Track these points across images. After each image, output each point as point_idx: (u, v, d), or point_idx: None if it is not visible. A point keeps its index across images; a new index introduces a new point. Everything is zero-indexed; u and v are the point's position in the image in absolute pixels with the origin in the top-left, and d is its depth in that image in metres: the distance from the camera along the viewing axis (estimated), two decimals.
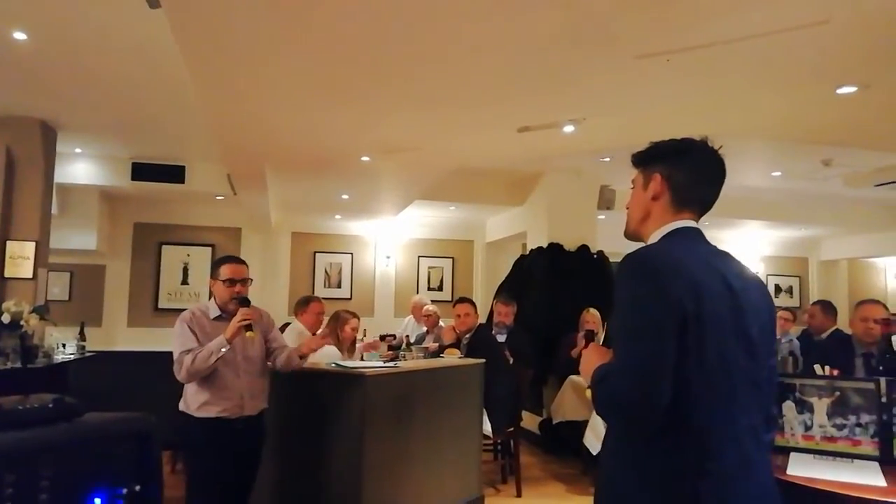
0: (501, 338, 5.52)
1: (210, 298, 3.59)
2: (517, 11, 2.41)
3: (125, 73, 4.67)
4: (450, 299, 8.95)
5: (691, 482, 1.34)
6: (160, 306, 8.09)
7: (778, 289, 10.54)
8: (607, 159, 6.32)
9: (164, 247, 8.14)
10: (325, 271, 8.66)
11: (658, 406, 1.31)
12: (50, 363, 5.64)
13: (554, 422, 5.76)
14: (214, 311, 3.45)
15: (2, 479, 1.34)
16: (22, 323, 5.45)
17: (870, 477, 2.04)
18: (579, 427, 5.66)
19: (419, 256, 9.01)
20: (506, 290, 6.84)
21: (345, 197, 6.54)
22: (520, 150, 5.43)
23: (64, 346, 6.15)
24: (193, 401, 3.18)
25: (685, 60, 2.96)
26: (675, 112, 4.20)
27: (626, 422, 1.41)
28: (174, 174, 7.22)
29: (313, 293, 8.26)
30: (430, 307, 6.66)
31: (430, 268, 9.06)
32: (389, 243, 8.73)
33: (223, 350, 3.09)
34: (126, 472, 1.58)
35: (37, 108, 5.57)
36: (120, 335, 7.86)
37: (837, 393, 2.31)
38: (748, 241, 10.04)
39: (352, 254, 8.75)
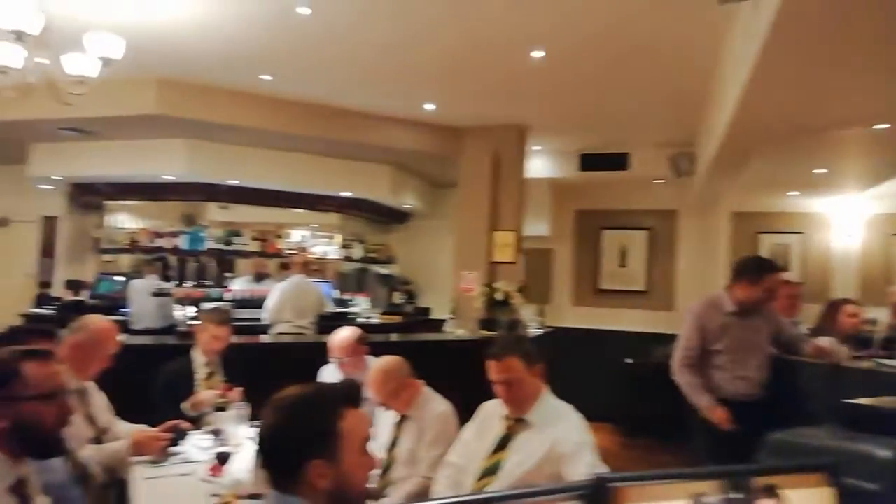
0: None
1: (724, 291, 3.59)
2: None
3: (600, 74, 5.00)
4: None
5: None
6: (601, 287, 8.58)
7: None
8: None
9: (603, 231, 8.59)
10: (771, 253, 7.96)
11: None
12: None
13: None
14: (729, 306, 3.48)
15: None
16: (511, 301, 6.38)
17: None
18: None
19: (892, 234, 7.56)
20: None
21: (821, 171, 5.82)
22: None
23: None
24: None
25: None
26: None
27: None
28: (618, 162, 7.56)
29: None
30: None
31: None
32: (851, 220, 7.54)
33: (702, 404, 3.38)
34: None
35: (517, 115, 6.39)
36: (568, 313, 8.61)
37: None
38: None
39: (803, 233, 7.85)
